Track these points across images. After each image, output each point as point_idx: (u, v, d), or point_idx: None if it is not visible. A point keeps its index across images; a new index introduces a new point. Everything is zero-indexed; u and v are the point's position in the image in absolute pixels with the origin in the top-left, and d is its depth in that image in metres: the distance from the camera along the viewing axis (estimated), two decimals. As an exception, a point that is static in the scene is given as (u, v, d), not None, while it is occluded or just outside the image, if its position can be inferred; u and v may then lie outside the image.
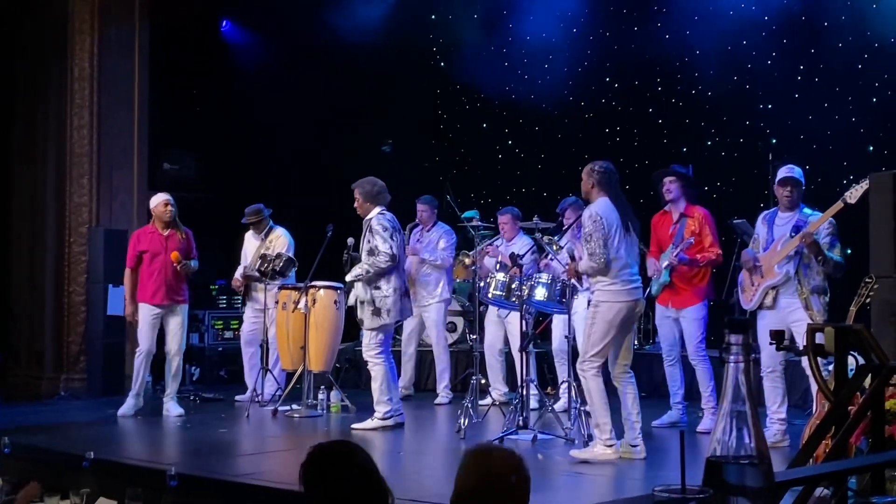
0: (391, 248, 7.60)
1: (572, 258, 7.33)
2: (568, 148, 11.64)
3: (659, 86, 11.25)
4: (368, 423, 7.72)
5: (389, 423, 7.73)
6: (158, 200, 8.71)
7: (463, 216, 9.47)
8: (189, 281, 8.80)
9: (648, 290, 7.97)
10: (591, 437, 6.98)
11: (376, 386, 7.76)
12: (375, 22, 11.52)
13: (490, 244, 9.17)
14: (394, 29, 11.77)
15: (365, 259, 7.74)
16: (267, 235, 9.45)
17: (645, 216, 10.49)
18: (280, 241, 9.36)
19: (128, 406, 8.48)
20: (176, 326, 8.58)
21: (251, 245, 9.57)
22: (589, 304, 6.81)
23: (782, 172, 6.99)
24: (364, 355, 7.96)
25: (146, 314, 8.50)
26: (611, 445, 6.32)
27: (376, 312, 7.70)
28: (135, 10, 10.48)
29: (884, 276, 6.01)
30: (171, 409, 8.56)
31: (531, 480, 2.65)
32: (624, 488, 5.61)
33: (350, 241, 8.34)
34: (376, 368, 7.77)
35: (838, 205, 6.58)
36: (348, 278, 7.90)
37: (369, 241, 7.70)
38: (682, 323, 7.72)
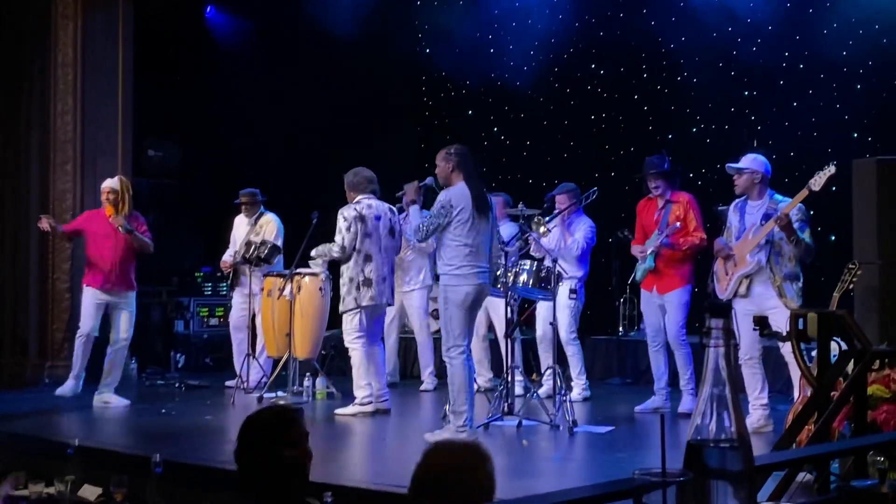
0: (343, 240, 7.82)
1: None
2: (553, 135, 11.64)
3: (644, 72, 11.25)
4: (349, 409, 7.77)
5: (368, 408, 7.77)
6: (102, 187, 8.60)
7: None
8: (140, 270, 8.70)
9: (633, 275, 8.01)
10: (575, 423, 7.03)
11: (354, 371, 7.85)
12: (360, 8, 11.48)
13: None
14: (378, 15, 11.73)
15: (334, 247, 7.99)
16: (257, 220, 9.43)
17: (630, 203, 10.51)
18: (269, 226, 9.35)
19: (68, 387, 8.42)
20: (127, 316, 8.45)
21: (241, 230, 9.55)
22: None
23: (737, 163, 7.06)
24: (344, 339, 8.04)
25: (91, 297, 8.41)
26: (463, 432, 6.47)
27: (346, 295, 7.88)
28: (119, -4, 10.42)
29: (867, 263, 6.04)
30: (111, 398, 8.40)
31: (494, 477, 2.58)
32: (605, 472, 5.63)
33: None
34: (354, 354, 7.88)
35: (804, 192, 6.61)
36: (312, 252, 8.18)
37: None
38: (666, 307, 7.75)
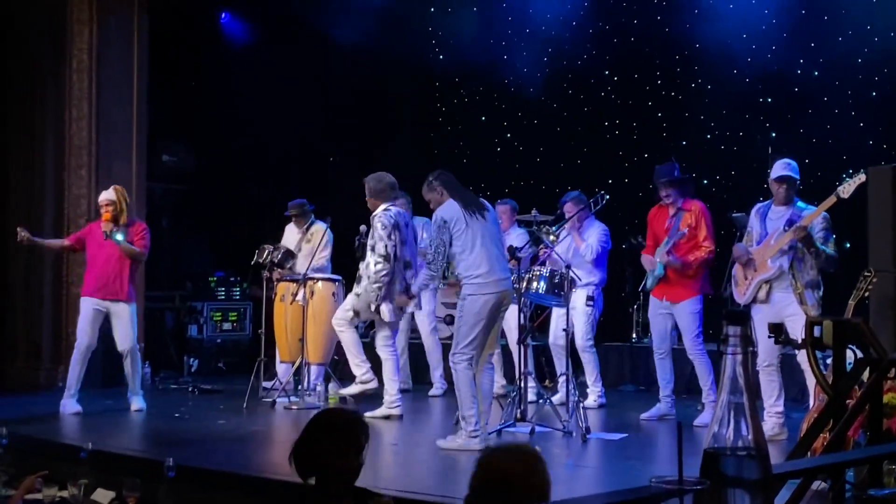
0: (385, 247, 7.71)
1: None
2: (567, 141, 11.62)
3: (658, 79, 11.23)
4: (353, 388, 7.97)
5: (371, 384, 7.85)
6: (100, 200, 8.55)
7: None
8: (153, 275, 8.61)
9: (643, 283, 7.99)
10: (588, 430, 7.01)
11: (348, 352, 7.92)
12: (374, 15, 11.50)
13: None
14: (393, 21, 11.75)
15: (369, 257, 7.81)
16: (308, 229, 9.52)
17: (644, 211, 10.49)
18: (319, 234, 9.38)
19: (67, 407, 8.25)
20: (122, 326, 8.38)
21: (292, 238, 9.63)
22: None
23: (779, 169, 6.97)
24: (333, 321, 8.06)
25: (87, 308, 8.36)
26: (475, 436, 6.45)
27: (390, 302, 7.89)
28: (133, 1, 10.45)
29: (882, 270, 6.01)
30: (135, 402, 8.42)
31: (549, 481, 2.60)
32: (619, 480, 5.62)
33: (363, 228, 8.36)
34: (343, 335, 7.98)
35: (831, 199, 6.56)
36: (362, 303, 7.89)
37: (372, 238, 7.79)
38: (678, 317, 7.71)
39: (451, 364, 6.65)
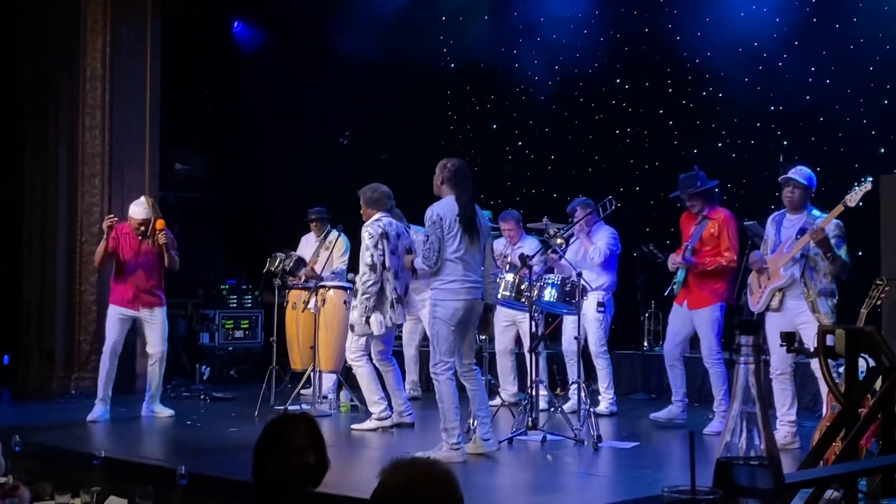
0: (371, 257, 7.58)
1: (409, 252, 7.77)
2: (578, 149, 11.63)
3: (669, 87, 11.23)
4: (367, 424, 7.76)
5: (387, 422, 7.75)
6: (133, 211, 8.55)
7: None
8: (165, 283, 8.64)
9: (670, 289, 7.91)
10: (600, 438, 7.00)
11: (363, 388, 7.82)
12: (384, 23, 11.52)
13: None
14: (404, 29, 11.77)
15: (360, 271, 7.75)
16: (325, 238, 9.58)
17: (655, 217, 10.49)
18: (338, 242, 9.39)
19: (98, 412, 8.30)
20: (154, 331, 8.48)
21: (309, 247, 9.68)
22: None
23: (788, 173, 6.98)
24: (346, 357, 8.00)
25: (115, 314, 8.44)
26: (457, 449, 6.39)
27: (381, 315, 7.74)
28: (146, 10, 10.50)
29: (894, 279, 6.00)
30: (157, 409, 8.54)
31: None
32: (631, 488, 5.61)
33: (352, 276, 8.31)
34: (359, 371, 7.86)
35: (839, 208, 6.54)
36: (356, 315, 7.79)
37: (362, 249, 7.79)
38: (697, 324, 7.66)
39: (432, 375, 6.56)
